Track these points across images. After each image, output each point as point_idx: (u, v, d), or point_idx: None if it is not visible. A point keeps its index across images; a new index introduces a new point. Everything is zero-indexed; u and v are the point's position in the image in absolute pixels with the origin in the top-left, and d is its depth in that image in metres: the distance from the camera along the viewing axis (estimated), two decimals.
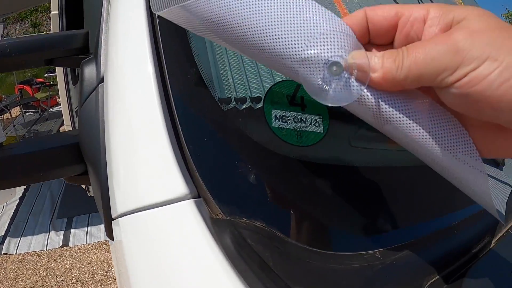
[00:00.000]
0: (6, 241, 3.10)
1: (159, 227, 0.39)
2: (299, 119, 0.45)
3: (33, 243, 3.10)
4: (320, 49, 0.30)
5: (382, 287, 0.41)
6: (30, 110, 7.08)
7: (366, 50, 0.34)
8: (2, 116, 6.22)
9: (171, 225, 0.38)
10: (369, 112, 0.32)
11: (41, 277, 2.75)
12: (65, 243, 3.08)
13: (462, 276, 0.48)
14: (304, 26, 0.31)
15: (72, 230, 3.23)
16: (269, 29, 0.32)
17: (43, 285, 2.69)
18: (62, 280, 2.71)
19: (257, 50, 0.34)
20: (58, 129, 5.49)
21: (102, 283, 2.69)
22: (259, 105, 0.46)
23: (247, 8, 0.33)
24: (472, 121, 0.32)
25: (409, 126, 0.31)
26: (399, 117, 0.31)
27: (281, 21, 0.32)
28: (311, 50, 0.30)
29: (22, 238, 3.16)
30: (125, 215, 0.42)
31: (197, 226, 0.37)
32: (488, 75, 0.26)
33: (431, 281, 0.44)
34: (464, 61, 0.27)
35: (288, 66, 0.32)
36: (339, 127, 0.49)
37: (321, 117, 0.47)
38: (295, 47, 0.31)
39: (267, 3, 0.32)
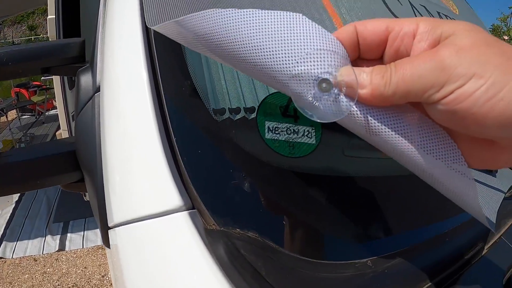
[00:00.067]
0: (2, 245, 3.08)
1: (155, 238, 0.40)
2: (292, 130, 0.46)
3: (29, 247, 3.08)
4: (310, 66, 0.31)
5: None
6: (26, 113, 7.05)
7: (357, 64, 0.35)
8: None
9: (166, 236, 0.39)
10: (359, 126, 0.32)
11: (38, 281, 2.74)
12: (62, 247, 3.07)
13: (454, 282, 0.48)
14: (295, 43, 0.32)
15: (69, 235, 3.21)
16: (261, 45, 0.33)
17: None
18: (58, 285, 2.70)
19: (249, 65, 0.34)
20: (55, 133, 5.46)
21: None
22: (253, 115, 0.47)
23: (239, 24, 0.34)
24: (461, 134, 0.32)
25: (398, 140, 0.31)
26: (388, 131, 0.31)
27: (272, 37, 0.32)
28: (301, 66, 0.31)
29: (18, 242, 3.14)
30: (121, 225, 0.43)
31: (191, 237, 0.37)
32: (473, 93, 0.26)
33: None
34: (450, 78, 0.27)
35: (280, 82, 0.33)
36: (332, 137, 0.50)
37: (313, 128, 0.48)
38: (286, 63, 0.32)
39: (259, 19, 0.33)
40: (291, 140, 0.46)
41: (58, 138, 2.54)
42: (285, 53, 0.32)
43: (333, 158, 0.52)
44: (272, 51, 0.32)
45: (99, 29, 0.58)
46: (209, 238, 0.38)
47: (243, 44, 0.33)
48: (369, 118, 0.31)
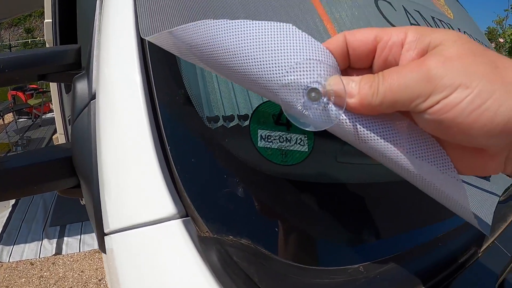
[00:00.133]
0: None
1: (149, 245, 0.40)
2: (284, 139, 0.47)
3: (26, 251, 3.07)
4: (299, 76, 0.31)
5: None
6: (23, 117, 7.04)
7: (347, 73, 0.36)
8: None
9: (161, 244, 0.40)
10: (349, 134, 0.33)
11: (34, 285, 2.73)
12: (58, 251, 3.06)
13: (448, 286, 0.49)
14: (284, 53, 0.32)
15: (65, 238, 3.20)
16: (251, 55, 0.33)
17: None
18: None
19: (241, 75, 0.35)
20: (51, 137, 5.46)
21: None
22: (247, 122, 0.48)
23: (230, 35, 0.34)
24: (449, 142, 0.32)
25: (387, 147, 0.32)
26: (377, 138, 0.32)
27: (263, 47, 0.33)
28: (290, 76, 0.31)
29: (15, 246, 3.12)
30: (116, 232, 0.43)
31: (184, 244, 0.38)
32: (459, 103, 0.27)
33: None
34: (436, 88, 0.27)
35: (271, 91, 0.33)
36: (325, 143, 0.51)
37: (306, 136, 0.48)
38: (275, 73, 0.32)
39: (250, 30, 0.34)
40: (283, 148, 0.47)
41: (54, 141, 2.53)
42: (275, 63, 0.32)
43: (326, 164, 0.52)
44: (262, 61, 0.33)
45: (95, 36, 0.59)
46: (203, 245, 0.38)
47: (235, 54, 0.34)
48: (358, 126, 0.32)
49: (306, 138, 0.48)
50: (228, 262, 0.37)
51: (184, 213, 0.40)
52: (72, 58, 0.66)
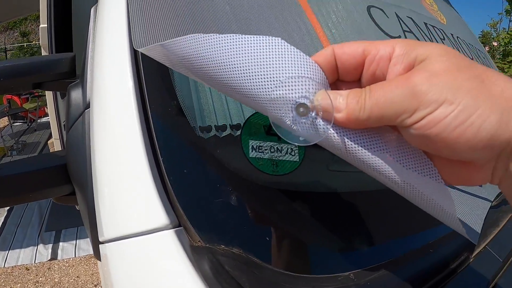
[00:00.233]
0: None
1: (143, 255, 0.41)
2: (276, 149, 0.47)
3: (21, 256, 3.06)
4: (288, 91, 0.32)
5: None
6: (18, 121, 7.02)
7: (336, 86, 0.36)
8: None
9: (154, 253, 0.40)
10: (337, 148, 0.33)
11: None
12: (54, 256, 3.05)
13: None
14: (273, 67, 0.33)
15: (61, 243, 3.19)
16: (241, 69, 0.34)
17: None
18: None
19: (230, 88, 0.36)
20: (46, 141, 5.44)
21: None
22: (239, 132, 0.48)
23: (220, 49, 0.35)
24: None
25: (375, 160, 0.33)
26: (365, 151, 0.32)
27: (252, 61, 0.33)
28: (279, 91, 0.32)
29: (10, 251, 3.11)
30: (111, 241, 0.44)
31: (177, 254, 0.39)
32: (444, 118, 0.27)
33: None
34: (421, 104, 0.28)
35: (260, 105, 0.34)
36: (316, 152, 0.51)
37: (296, 146, 0.49)
38: (264, 88, 0.33)
39: (239, 44, 0.34)
40: (274, 158, 0.47)
41: (50, 146, 2.53)
42: (263, 78, 0.33)
43: (318, 173, 0.53)
44: (252, 75, 0.33)
45: (89, 45, 0.59)
46: (195, 254, 0.39)
47: (225, 68, 0.35)
48: (346, 139, 0.32)
49: (297, 148, 0.49)
50: (220, 271, 0.38)
51: (176, 223, 0.41)
52: (66, 66, 0.66)
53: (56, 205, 3.68)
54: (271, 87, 0.32)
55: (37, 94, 6.93)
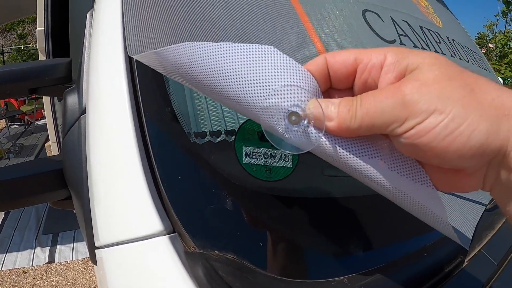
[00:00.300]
0: None
1: (138, 261, 0.41)
2: (269, 155, 0.48)
3: (19, 259, 3.05)
4: (280, 99, 0.32)
5: None
6: (15, 123, 7.01)
7: (329, 94, 0.36)
8: None
9: (148, 259, 0.41)
10: (329, 155, 0.34)
11: None
12: (51, 259, 3.04)
13: None
14: (265, 76, 0.33)
15: (58, 246, 3.18)
16: (233, 77, 0.34)
17: None
18: None
19: (223, 96, 0.36)
20: (43, 144, 5.43)
21: None
22: (233, 138, 0.49)
23: (213, 57, 0.35)
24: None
25: (367, 167, 0.33)
26: (356, 159, 0.33)
27: (245, 70, 0.34)
28: (271, 99, 0.32)
29: (7, 254, 3.10)
30: (106, 247, 0.44)
31: (171, 260, 0.39)
32: (433, 128, 0.27)
33: None
34: (411, 114, 0.28)
35: (253, 113, 0.34)
36: (311, 157, 0.51)
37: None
38: (257, 96, 0.33)
39: (232, 52, 0.35)
40: (268, 164, 0.48)
41: (47, 149, 2.52)
42: (256, 86, 0.33)
43: (312, 179, 0.53)
44: (244, 83, 0.34)
45: (85, 50, 0.59)
46: (189, 260, 0.39)
47: (217, 76, 0.35)
48: (338, 147, 0.33)
49: (290, 154, 0.49)
50: (213, 276, 0.38)
51: (171, 229, 0.41)
52: (63, 71, 0.66)
53: (53, 208, 3.66)
54: (263, 95, 0.33)
55: (34, 96, 6.90)
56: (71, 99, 0.59)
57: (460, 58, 1.08)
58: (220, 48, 0.35)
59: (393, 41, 0.82)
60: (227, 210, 0.44)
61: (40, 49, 2.08)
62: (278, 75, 0.33)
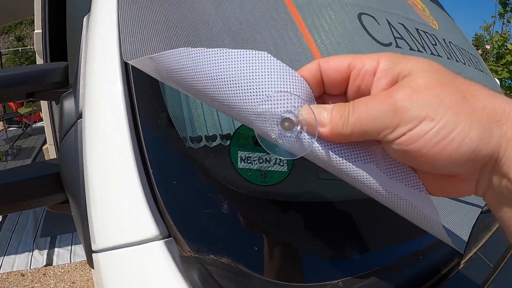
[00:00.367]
0: None
1: (134, 265, 0.42)
2: (264, 160, 0.48)
3: (17, 262, 3.03)
4: (273, 105, 0.32)
5: None
6: (13, 125, 6.99)
7: (323, 100, 0.37)
8: None
9: (144, 264, 0.41)
10: (322, 161, 0.34)
11: None
12: (49, 262, 3.03)
13: None
14: (259, 82, 0.33)
15: (56, 249, 3.17)
16: (227, 83, 0.34)
17: None
18: None
19: (218, 102, 0.36)
20: (41, 146, 5.42)
21: None
22: (229, 142, 0.49)
23: (207, 63, 0.35)
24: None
25: (360, 172, 0.33)
26: (349, 164, 0.33)
27: (238, 76, 0.34)
28: (264, 105, 0.32)
29: (5, 257, 3.09)
30: (103, 251, 0.44)
31: (166, 264, 0.39)
32: (424, 135, 0.27)
33: None
34: (402, 121, 0.28)
35: (247, 119, 0.35)
36: (307, 160, 0.52)
37: None
38: (250, 102, 0.33)
39: (226, 58, 0.35)
40: (263, 169, 0.48)
41: (44, 152, 2.52)
42: (250, 92, 0.33)
43: (308, 182, 0.53)
44: (238, 89, 0.34)
45: (82, 55, 0.59)
46: (184, 265, 0.39)
47: (211, 82, 0.35)
48: (331, 153, 0.33)
49: (285, 159, 0.49)
50: (209, 280, 0.39)
51: (166, 234, 0.42)
52: (59, 76, 0.66)
53: (51, 211, 3.65)
54: (257, 101, 0.33)
55: (32, 98, 6.88)
56: (68, 104, 0.59)
57: (456, 60, 1.08)
58: (214, 54, 0.35)
59: (389, 44, 0.82)
60: (222, 215, 0.44)
61: (37, 51, 2.07)
62: (271, 81, 0.33)
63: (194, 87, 0.37)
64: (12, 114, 6.62)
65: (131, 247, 0.42)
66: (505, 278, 0.63)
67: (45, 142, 3.40)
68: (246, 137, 0.49)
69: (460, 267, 0.59)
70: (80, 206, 0.51)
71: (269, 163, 0.48)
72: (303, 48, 0.64)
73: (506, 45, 5.07)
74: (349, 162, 0.33)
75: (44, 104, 2.20)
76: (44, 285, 2.80)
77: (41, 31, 2.02)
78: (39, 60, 2.08)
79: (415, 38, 0.95)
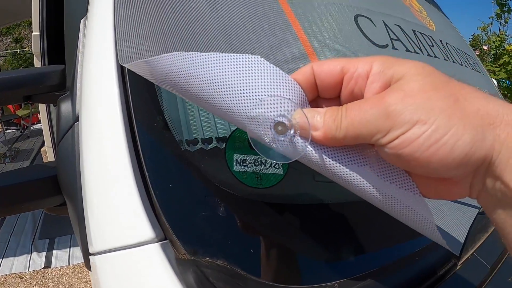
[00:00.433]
0: None
1: (131, 267, 0.42)
2: (259, 162, 0.48)
3: (15, 264, 3.03)
4: (266, 109, 0.32)
5: None
6: (11, 128, 6.99)
7: (317, 103, 0.37)
8: None
9: (140, 266, 0.41)
10: (316, 164, 0.34)
11: None
12: (47, 264, 3.02)
13: None
14: (252, 86, 0.33)
15: (54, 251, 3.16)
16: (221, 87, 0.35)
17: None
18: None
19: (212, 106, 0.36)
20: (39, 148, 5.41)
21: None
22: (225, 144, 0.49)
23: (201, 67, 0.36)
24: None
25: (353, 176, 0.33)
26: (343, 168, 0.33)
27: (232, 80, 0.34)
28: (258, 109, 0.33)
29: (3, 259, 3.08)
30: (100, 254, 0.45)
31: (162, 267, 0.40)
32: (416, 139, 0.27)
33: None
34: (395, 125, 0.28)
35: (241, 123, 0.35)
36: (301, 164, 0.52)
37: None
38: (244, 106, 0.33)
39: (219, 62, 0.35)
40: (258, 171, 0.48)
41: (43, 154, 2.52)
42: (243, 96, 0.33)
43: (303, 185, 0.53)
44: (232, 93, 0.34)
45: (78, 58, 0.60)
46: (180, 267, 0.40)
47: (205, 85, 0.35)
48: (325, 156, 0.33)
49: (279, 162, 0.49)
50: (204, 283, 0.39)
51: (162, 237, 0.42)
52: (57, 79, 0.67)
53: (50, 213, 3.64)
54: (250, 105, 0.33)
55: (29, 101, 6.86)
56: (65, 107, 0.59)
57: (453, 61, 1.08)
58: (208, 58, 0.35)
59: (385, 46, 0.83)
60: (217, 217, 0.44)
61: (35, 54, 2.07)
62: (264, 85, 0.33)
63: (189, 91, 0.38)
64: (10, 116, 6.62)
65: (127, 250, 0.42)
66: (501, 279, 0.63)
67: (43, 144, 3.39)
68: (242, 140, 0.49)
69: (457, 268, 0.60)
70: (77, 208, 0.51)
71: (265, 166, 0.48)
72: (299, 50, 0.64)
73: (504, 46, 5.09)
74: (342, 165, 0.33)
75: (42, 106, 2.20)
76: None
77: (39, 33, 2.02)
78: (37, 63, 2.08)
79: (411, 39, 0.95)
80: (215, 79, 0.35)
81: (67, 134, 0.57)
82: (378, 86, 0.32)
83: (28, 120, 6.67)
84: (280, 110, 0.32)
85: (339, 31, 0.76)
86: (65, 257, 3.10)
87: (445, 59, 1.02)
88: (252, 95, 0.33)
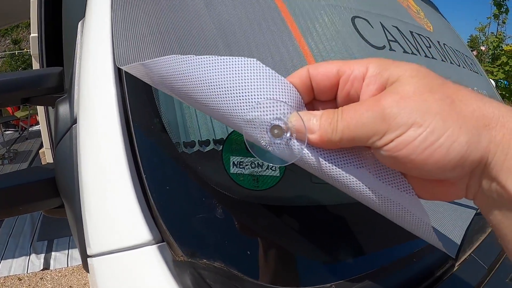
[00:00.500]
0: None
1: (128, 269, 0.42)
2: (256, 164, 0.48)
3: (14, 266, 3.02)
4: (262, 112, 0.33)
5: None
6: (10, 129, 6.97)
7: (313, 106, 0.37)
8: None
9: (138, 268, 0.41)
10: (312, 167, 0.34)
11: None
12: (46, 266, 3.01)
13: None
14: (248, 89, 0.34)
15: (53, 253, 3.15)
16: (217, 90, 0.35)
17: None
18: None
19: (209, 108, 0.37)
20: (38, 150, 5.40)
21: None
22: (222, 147, 0.49)
23: (197, 70, 0.36)
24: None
25: (349, 178, 0.33)
26: (339, 170, 0.33)
27: (228, 83, 0.34)
28: (254, 112, 0.33)
29: (2, 261, 3.07)
30: (98, 256, 0.45)
31: (159, 269, 0.40)
32: (412, 141, 0.28)
33: None
34: (391, 127, 0.28)
35: (237, 125, 0.35)
36: (298, 166, 0.52)
37: None
38: (240, 109, 0.34)
39: (216, 65, 0.35)
40: (255, 173, 0.48)
41: (41, 156, 2.51)
42: (239, 99, 0.34)
43: (301, 186, 0.53)
44: (228, 96, 0.34)
45: (76, 60, 0.60)
46: (177, 269, 0.40)
47: (202, 88, 0.36)
48: (321, 159, 0.33)
49: (275, 165, 0.49)
50: (201, 285, 0.39)
51: (160, 239, 0.42)
52: (54, 81, 0.67)
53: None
54: (246, 108, 0.33)
55: (27, 103, 6.84)
56: (63, 109, 0.59)
57: (451, 62, 1.08)
58: (205, 61, 0.36)
59: (383, 47, 0.83)
60: (215, 219, 0.44)
61: (33, 55, 2.07)
62: (260, 88, 0.33)
63: (186, 93, 0.38)
64: (8, 117, 6.60)
65: (125, 252, 0.42)
66: (499, 280, 0.63)
67: (41, 145, 3.39)
68: (239, 142, 0.49)
69: (454, 269, 0.60)
70: (75, 210, 0.51)
71: (262, 168, 0.49)
72: (297, 52, 0.64)
73: (501, 46, 5.09)
74: (339, 168, 0.33)
75: (40, 107, 2.20)
76: None
77: (37, 35, 2.02)
78: (35, 64, 2.08)
79: (409, 40, 0.96)
80: (211, 82, 0.35)
81: (65, 136, 0.57)
82: (374, 88, 0.32)
83: (27, 122, 6.65)
84: (276, 113, 0.32)
85: (336, 33, 0.76)
86: (63, 259, 3.09)
87: (442, 60, 1.03)
88: (249, 98, 0.33)
